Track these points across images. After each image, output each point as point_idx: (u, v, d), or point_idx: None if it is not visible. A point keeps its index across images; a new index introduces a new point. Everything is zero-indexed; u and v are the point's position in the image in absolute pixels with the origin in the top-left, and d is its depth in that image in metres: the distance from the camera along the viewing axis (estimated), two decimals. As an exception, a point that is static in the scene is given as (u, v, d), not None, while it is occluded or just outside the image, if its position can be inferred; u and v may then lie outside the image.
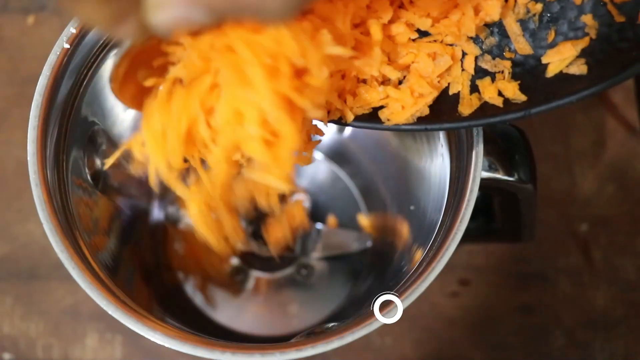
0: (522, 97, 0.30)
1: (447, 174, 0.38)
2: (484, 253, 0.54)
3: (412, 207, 0.46)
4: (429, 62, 0.32)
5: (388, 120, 0.32)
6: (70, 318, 0.52)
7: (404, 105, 0.32)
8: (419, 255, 0.39)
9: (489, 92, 0.31)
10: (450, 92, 0.32)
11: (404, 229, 0.47)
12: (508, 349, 0.52)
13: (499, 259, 0.53)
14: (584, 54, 0.29)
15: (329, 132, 0.53)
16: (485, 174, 0.36)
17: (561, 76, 0.30)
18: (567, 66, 0.29)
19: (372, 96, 0.32)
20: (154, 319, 0.34)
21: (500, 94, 0.31)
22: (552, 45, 0.30)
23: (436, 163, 0.40)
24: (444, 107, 0.32)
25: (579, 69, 0.29)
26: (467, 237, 0.34)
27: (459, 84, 0.32)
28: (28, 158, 0.33)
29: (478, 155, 0.34)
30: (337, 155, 0.55)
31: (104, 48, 0.36)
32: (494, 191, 0.43)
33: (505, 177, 0.37)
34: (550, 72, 0.30)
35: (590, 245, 0.54)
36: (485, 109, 0.31)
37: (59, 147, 0.36)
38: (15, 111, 0.56)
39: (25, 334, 0.51)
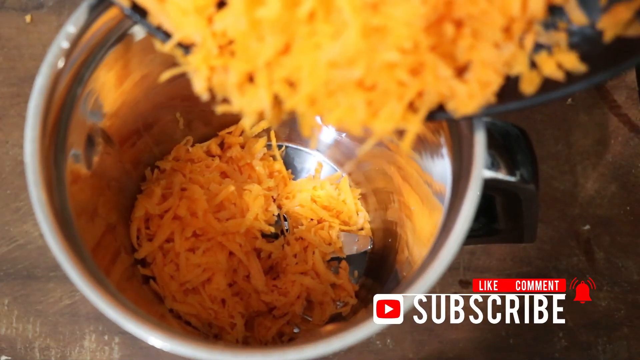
0: (582, 68, 0.29)
1: (449, 174, 0.37)
2: (485, 254, 0.53)
3: (413, 208, 0.45)
4: (493, 51, 0.31)
5: (455, 111, 0.31)
6: (68, 319, 0.51)
7: (471, 95, 0.31)
8: (420, 256, 0.39)
9: (548, 66, 0.30)
10: (512, 74, 0.31)
11: (405, 230, 0.47)
12: (510, 350, 0.51)
13: (501, 260, 0.53)
14: (639, 15, 0.28)
15: (329, 132, 0.53)
16: (487, 174, 0.36)
17: (619, 40, 0.29)
18: (623, 29, 0.29)
19: (438, 95, 0.31)
20: (153, 321, 0.33)
21: (559, 67, 0.30)
22: (606, 9, 0.29)
23: (437, 163, 0.40)
24: (505, 88, 0.31)
25: (636, 30, 0.28)
26: (468, 238, 0.34)
27: (520, 64, 0.31)
28: (26, 158, 0.33)
29: (480, 155, 0.34)
30: (337, 155, 0.55)
31: (102, 47, 0.36)
32: (496, 191, 0.43)
33: (507, 177, 0.37)
34: (607, 37, 0.29)
35: (593, 246, 0.54)
36: (546, 85, 0.30)
37: (58, 146, 0.35)
38: (13, 110, 0.55)
39: (22, 335, 0.51)
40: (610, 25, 0.29)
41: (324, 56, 0.29)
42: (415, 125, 0.31)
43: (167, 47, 0.32)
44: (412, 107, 0.31)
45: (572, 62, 0.30)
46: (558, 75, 0.30)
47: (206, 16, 0.31)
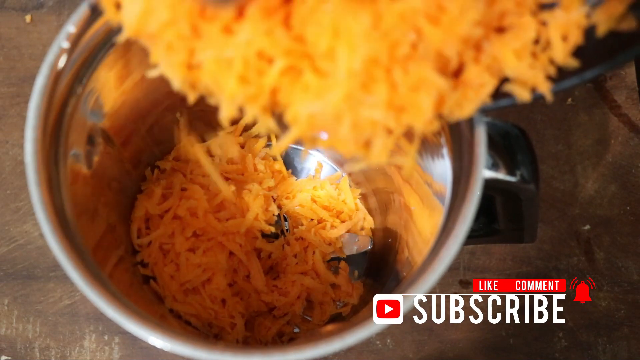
0: (574, 63, 0.29)
1: (449, 174, 0.37)
2: (485, 254, 0.53)
3: (413, 208, 0.45)
4: (489, 57, 0.30)
5: (451, 116, 0.31)
6: (68, 319, 0.51)
7: (467, 100, 0.31)
8: (420, 256, 0.39)
9: (540, 62, 0.30)
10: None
11: (405, 231, 0.47)
12: (510, 350, 0.51)
13: (500, 260, 0.53)
14: (632, 8, 0.28)
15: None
16: (487, 174, 0.36)
17: (612, 35, 0.29)
18: (616, 23, 0.28)
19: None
20: (153, 321, 0.33)
21: (550, 63, 0.30)
22: (599, 2, 0.29)
23: (438, 163, 0.40)
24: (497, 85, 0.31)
25: (629, 24, 0.28)
26: (468, 238, 0.34)
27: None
28: (27, 158, 0.33)
29: (480, 156, 0.34)
30: (337, 155, 0.55)
31: (102, 47, 0.36)
32: (496, 191, 0.43)
33: (507, 178, 0.37)
34: (600, 31, 0.29)
35: (593, 246, 0.54)
36: None
37: (58, 146, 0.35)
38: (13, 110, 0.55)
39: (22, 335, 0.51)
40: (604, 19, 0.29)
41: (303, 111, 0.29)
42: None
43: (154, 73, 0.31)
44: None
45: (564, 55, 0.30)
46: (550, 71, 0.30)
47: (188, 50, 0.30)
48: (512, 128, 0.39)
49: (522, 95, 0.30)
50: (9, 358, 0.50)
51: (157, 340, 0.32)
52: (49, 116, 0.34)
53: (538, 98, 0.31)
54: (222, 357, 0.32)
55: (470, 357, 0.51)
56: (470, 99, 0.31)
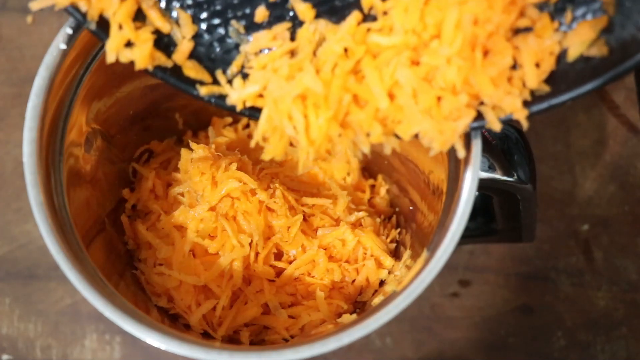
0: (546, 88, 0.30)
1: (445, 174, 0.37)
2: (484, 253, 0.53)
3: (411, 208, 0.46)
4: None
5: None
6: (69, 319, 0.51)
7: (442, 131, 0.31)
8: (417, 255, 0.39)
9: (516, 87, 0.30)
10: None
11: (403, 230, 0.47)
12: (509, 349, 0.52)
13: (500, 260, 0.53)
14: (604, 34, 0.28)
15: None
16: (484, 175, 0.36)
17: (582, 60, 0.29)
18: (587, 48, 0.29)
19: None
20: (151, 321, 0.34)
21: (523, 85, 0.30)
22: (570, 27, 0.29)
23: (434, 163, 0.40)
24: None
25: (600, 50, 0.28)
26: (467, 238, 0.34)
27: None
28: (24, 159, 0.33)
29: (477, 156, 0.34)
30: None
31: (101, 48, 0.36)
32: (494, 191, 0.43)
33: (504, 178, 0.37)
34: (571, 56, 0.29)
35: (591, 246, 0.54)
36: None
37: (56, 147, 0.36)
38: (14, 111, 0.56)
39: (24, 335, 0.51)
40: (575, 43, 0.29)
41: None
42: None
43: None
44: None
45: (537, 83, 0.30)
46: (524, 95, 0.30)
47: None
48: (510, 130, 0.39)
49: (494, 125, 0.30)
50: (11, 357, 0.51)
51: (153, 340, 0.32)
52: (47, 117, 0.34)
53: (508, 121, 0.31)
54: (220, 356, 0.32)
55: (470, 357, 0.52)
56: (448, 133, 0.31)
